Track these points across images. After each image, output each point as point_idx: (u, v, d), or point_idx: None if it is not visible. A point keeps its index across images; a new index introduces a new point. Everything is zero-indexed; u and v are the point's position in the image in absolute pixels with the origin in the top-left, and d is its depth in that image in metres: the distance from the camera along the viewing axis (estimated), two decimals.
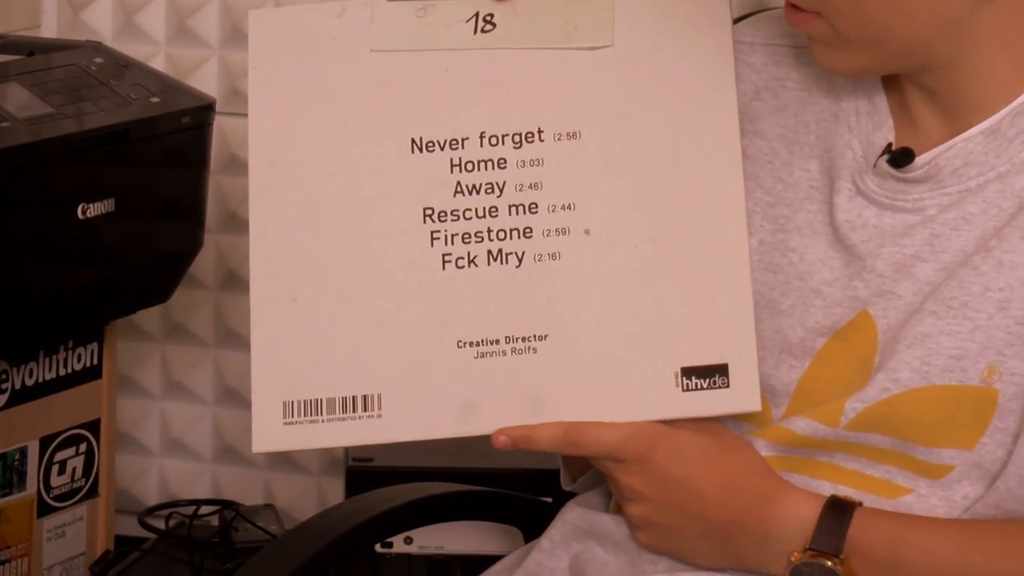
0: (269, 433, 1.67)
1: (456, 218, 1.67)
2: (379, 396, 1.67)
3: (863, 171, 1.73)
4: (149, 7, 3.25)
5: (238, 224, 3.23)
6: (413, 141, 1.68)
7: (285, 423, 1.66)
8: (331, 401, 1.67)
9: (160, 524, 2.96)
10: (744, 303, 1.67)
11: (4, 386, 2.72)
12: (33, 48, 2.83)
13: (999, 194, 1.67)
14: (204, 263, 3.15)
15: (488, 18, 1.69)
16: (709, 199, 1.68)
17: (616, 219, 1.68)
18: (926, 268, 1.67)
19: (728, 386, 1.66)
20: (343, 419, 1.67)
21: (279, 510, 3.06)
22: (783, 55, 1.83)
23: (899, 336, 1.68)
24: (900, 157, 1.71)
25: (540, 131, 1.68)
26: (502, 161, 1.68)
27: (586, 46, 1.68)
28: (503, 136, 1.69)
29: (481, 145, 1.69)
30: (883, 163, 1.72)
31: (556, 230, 1.67)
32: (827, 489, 1.68)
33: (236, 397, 3.26)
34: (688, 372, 1.66)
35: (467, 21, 1.68)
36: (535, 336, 1.66)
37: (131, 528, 3.02)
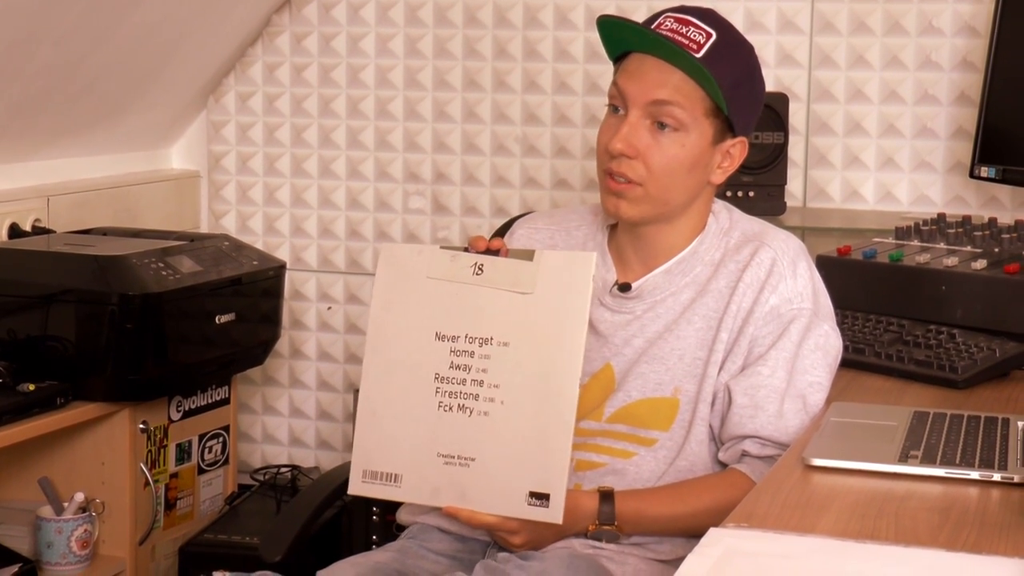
0: (355, 485, 1.97)
1: (448, 382, 1.90)
2: (400, 475, 1.91)
3: (603, 294, 2.10)
4: (253, 218, 3.87)
5: (299, 326, 3.88)
6: (436, 333, 1.93)
7: (363, 481, 1.97)
8: (380, 473, 1.92)
9: (260, 477, 3.67)
10: (564, 458, 1.83)
11: (180, 408, 3.27)
12: (193, 237, 3.36)
13: (673, 303, 2.07)
14: (281, 345, 3.81)
15: (480, 266, 1.89)
16: (560, 387, 1.86)
17: (518, 397, 1.88)
18: (638, 341, 2.07)
19: (548, 507, 1.86)
20: (384, 485, 1.92)
21: (321, 470, 3.79)
22: (553, 232, 2.21)
23: (629, 373, 2.05)
24: (623, 287, 2.09)
25: (491, 338, 1.89)
26: (471, 353, 1.89)
27: (519, 291, 1.89)
28: (475, 338, 1.90)
29: (465, 341, 1.90)
30: (615, 290, 2.07)
31: (489, 399, 1.89)
32: (594, 458, 2.02)
33: (302, 415, 3.90)
34: (532, 495, 1.86)
35: (471, 266, 1.91)
36: (469, 458, 1.89)
37: (246, 480, 3.70)
